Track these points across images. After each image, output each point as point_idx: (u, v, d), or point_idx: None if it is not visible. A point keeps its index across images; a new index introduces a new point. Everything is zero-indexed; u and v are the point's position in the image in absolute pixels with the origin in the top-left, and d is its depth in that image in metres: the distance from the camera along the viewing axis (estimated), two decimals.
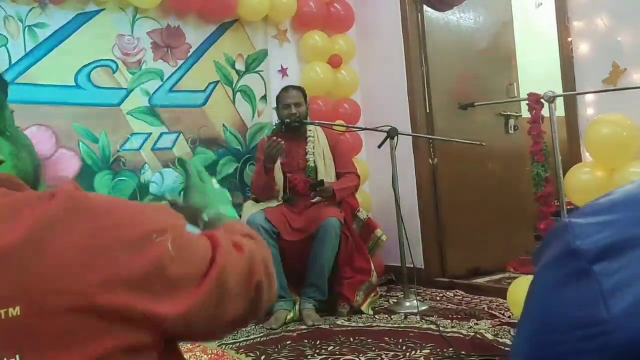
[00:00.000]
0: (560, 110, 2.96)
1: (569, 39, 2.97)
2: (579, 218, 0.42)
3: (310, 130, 3.27)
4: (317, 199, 3.12)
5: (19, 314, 0.52)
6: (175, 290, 0.59)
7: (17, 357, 0.51)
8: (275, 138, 3.01)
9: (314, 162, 3.21)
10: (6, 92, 0.73)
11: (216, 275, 0.63)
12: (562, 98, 2.93)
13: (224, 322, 0.66)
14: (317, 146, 3.24)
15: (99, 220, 0.59)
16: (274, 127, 3.45)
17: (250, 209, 3.12)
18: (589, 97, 2.91)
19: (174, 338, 0.63)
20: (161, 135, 3.27)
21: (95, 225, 0.58)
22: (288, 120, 3.16)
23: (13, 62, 2.84)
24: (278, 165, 3.20)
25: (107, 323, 0.54)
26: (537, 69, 4.60)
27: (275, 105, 3.38)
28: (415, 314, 2.87)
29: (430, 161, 3.71)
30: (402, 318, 2.85)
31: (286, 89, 3.28)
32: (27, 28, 2.90)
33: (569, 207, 2.78)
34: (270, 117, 3.64)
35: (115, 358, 0.54)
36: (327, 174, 3.20)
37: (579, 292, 0.38)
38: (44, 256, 0.54)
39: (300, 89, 3.29)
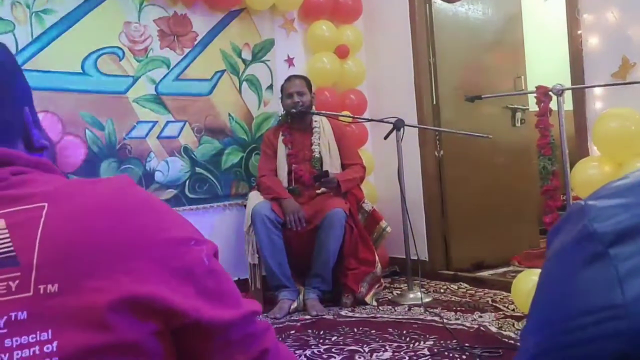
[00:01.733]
0: (568, 103, 2.94)
1: (579, 32, 2.95)
2: (595, 200, 0.41)
3: (315, 121, 3.26)
4: (322, 189, 3.12)
5: (56, 290, 0.53)
6: (204, 298, 0.60)
7: (49, 331, 0.52)
8: (301, 217, 2.97)
9: (319, 153, 3.20)
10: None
11: (245, 313, 0.64)
12: (570, 91, 2.91)
13: None
14: (323, 137, 3.23)
15: (144, 215, 0.61)
16: (280, 118, 3.44)
17: (255, 198, 3.11)
18: (598, 91, 2.89)
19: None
20: (167, 123, 3.26)
21: (139, 220, 0.60)
22: (294, 110, 3.15)
23: (20, 48, 2.83)
24: (283, 156, 3.20)
25: (138, 311, 0.55)
26: (545, 62, 4.57)
27: (280, 96, 3.37)
28: (419, 306, 2.87)
29: (436, 153, 3.70)
30: (406, 309, 2.86)
31: (289, 78, 3.27)
32: (34, 14, 2.89)
33: (575, 201, 2.77)
34: (276, 106, 3.62)
35: (143, 344, 0.56)
36: (332, 164, 3.19)
37: (595, 276, 0.38)
38: (90, 239, 0.56)
39: (304, 78, 3.28)
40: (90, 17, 3.04)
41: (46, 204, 0.57)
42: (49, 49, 2.92)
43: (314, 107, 3.28)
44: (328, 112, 3.38)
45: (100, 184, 0.63)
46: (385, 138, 3.22)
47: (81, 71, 3.01)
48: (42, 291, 0.53)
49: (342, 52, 3.79)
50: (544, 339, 0.40)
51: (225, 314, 0.61)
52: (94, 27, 3.05)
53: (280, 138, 3.23)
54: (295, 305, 2.93)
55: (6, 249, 0.55)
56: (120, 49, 3.13)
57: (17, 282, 0.53)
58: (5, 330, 0.52)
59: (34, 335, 0.52)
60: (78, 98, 2.99)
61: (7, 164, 0.61)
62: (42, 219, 0.56)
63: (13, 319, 0.52)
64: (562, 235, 0.43)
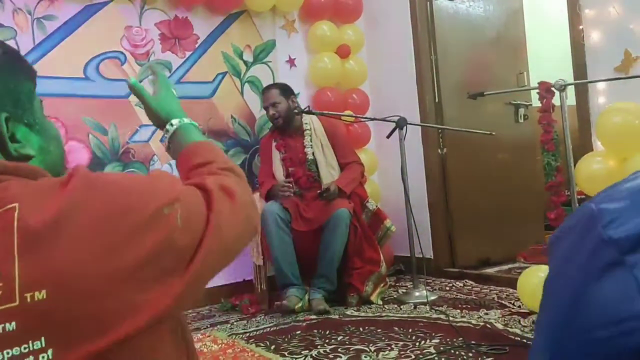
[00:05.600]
0: (571, 98, 2.93)
1: (580, 27, 2.94)
2: (605, 204, 0.39)
3: (306, 123, 3.27)
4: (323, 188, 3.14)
5: (44, 297, 0.51)
6: (183, 261, 0.60)
7: (42, 339, 0.51)
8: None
9: (313, 155, 3.21)
10: (35, 81, 0.74)
11: (211, 239, 0.64)
12: (573, 86, 2.90)
13: (229, 260, 0.70)
14: (315, 138, 3.24)
15: (113, 201, 0.58)
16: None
17: (259, 199, 3.13)
18: (600, 85, 2.88)
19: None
20: None
21: (110, 207, 0.58)
22: (272, 122, 3.21)
23: (22, 54, 2.84)
24: (278, 160, 3.23)
25: (127, 305, 0.54)
26: (547, 57, 4.56)
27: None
28: (425, 304, 2.87)
29: (439, 151, 3.69)
30: (412, 308, 2.86)
31: (264, 90, 3.31)
32: (35, 20, 2.91)
33: (579, 197, 2.76)
34: None
35: (136, 339, 0.55)
36: (327, 164, 3.21)
37: (613, 286, 0.36)
38: (68, 240, 0.54)
39: (276, 86, 3.27)
40: (92, 23, 3.06)
41: (17, 204, 0.55)
42: (51, 55, 2.94)
43: (311, 106, 3.33)
44: (330, 112, 3.38)
45: (67, 181, 0.59)
46: (388, 137, 3.21)
47: (83, 76, 3.03)
48: (29, 299, 0.51)
49: (343, 52, 3.79)
50: (560, 354, 0.39)
51: (193, 268, 0.61)
52: (96, 33, 3.06)
53: (273, 144, 3.26)
54: (300, 304, 2.93)
55: None
56: (122, 53, 3.15)
57: None
58: None
59: (26, 346, 0.50)
60: (81, 103, 3.01)
61: None
62: (16, 223, 0.54)
63: (1, 331, 0.50)
64: (572, 241, 0.41)
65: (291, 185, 3.07)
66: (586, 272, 0.38)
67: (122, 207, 0.58)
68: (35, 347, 0.50)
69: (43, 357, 0.50)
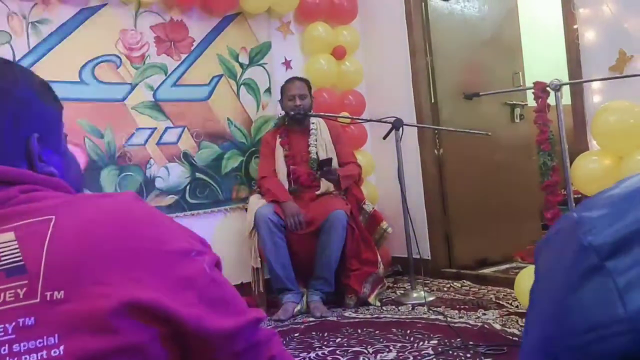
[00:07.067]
0: (566, 98, 2.94)
1: (575, 26, 2.94)
2: (586, 212, 0.40)
3: (313, 123, 3.27)
4: (321, 191, 3.13)
5: (62, 297, 0.56)
6: (206, 307, 0.62)
7: (56, 336, 0.55)
8: (300, 220, 2.97)
9: (316, 154, 3.21)
10: (62, 114, 0.80)
11: (249, 321, 0.66)
12: (568, 86, 2.91)
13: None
14: (320, 138, 3.25)
15: (147, 227, 0.64)
16: (277, 120, 3.45)
17: (256, 202, 3.12)
18: (596, 85, 2.89)
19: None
20: (166, 129, 3.27)
21: (142, 232, 0.63)
22: (293, 113, 3.16)
23: (17, 58, 2.83)
24: (281, 157, 3.21)
25: (141, 316, 0.57)
26: (542, 57, 4.57)
27: (279, 97, 3.37)
28: (423, 305, 2.87)
29: (436, 152, 3.70)
30: (409, 309, 2.86)
31: (291, 80, 3.28)
32: (30, 24, 2.90)
33: (575, 196, 2.77)
34: (275, 109, 3.63)
35: (148, 348, 0.58)
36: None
37: (594, 291, 0.37)
38: (95, 249, 0.59)
39: (304, 80, 3.29)
40: (87, 26, 3.05)
41: (54, 217, 0.60)
42: (47, 58, 2.93)
43: (312, 109, 3.30)
44: (326, 114, 3.38)
45: (106, 198, 0.67)
46: (385, 138, 3.22)
47: (79, 80, 3.02)
48: (48, 298, 0.56)
49: (339, 53, 3.79)
50: (546, 358, 0.39)
51: (228, 322, 0.63)
52: (91, 36, 3.05)
53: (278, 140, 3.25)
54: (299, 307, 2.93)
55: (15, 259, 0.58)
56: (118, 56, 3.14)
57: (24, 289, 0.56)
58: (14, 336, 0.55)
59: (41, 340, 0.54)
60: (76, 107, 2.99)
61: (16, 182, 0.64)
62: (50, 230, 0.59)
63: (21, 324, 0.55)
64: (554, 250, 0.42)
65: (302, 223, 2.98)
66: (568, 279, 0.39)
67: (153, 235, 0.63)
68: (49, 343, 0.55)
69: (55, 352, 0.54)
